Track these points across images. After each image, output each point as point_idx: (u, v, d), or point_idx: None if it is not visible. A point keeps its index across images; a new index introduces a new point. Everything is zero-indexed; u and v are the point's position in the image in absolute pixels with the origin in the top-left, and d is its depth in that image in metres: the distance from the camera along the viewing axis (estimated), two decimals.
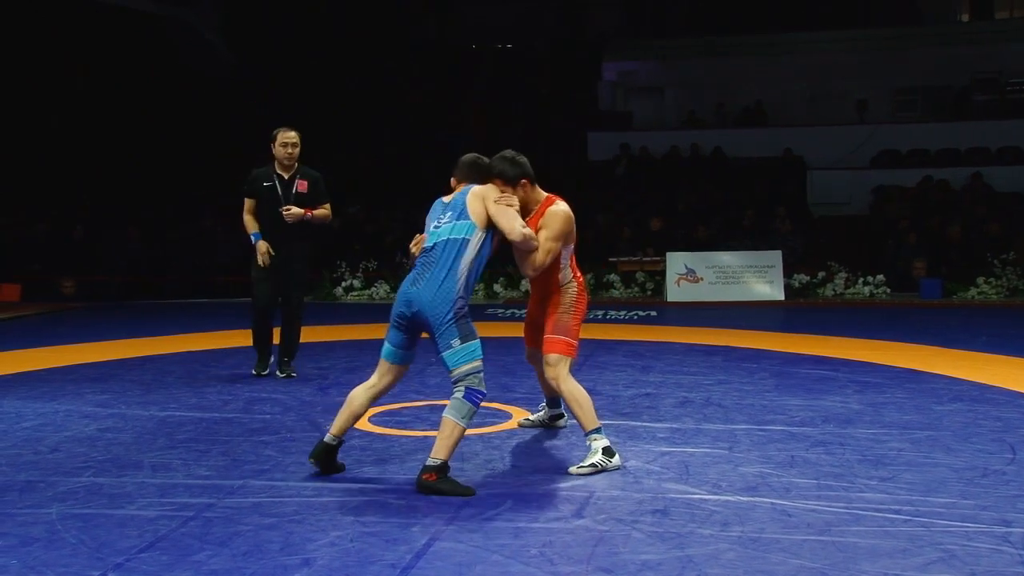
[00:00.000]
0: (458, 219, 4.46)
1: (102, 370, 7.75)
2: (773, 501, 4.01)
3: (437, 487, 4.14)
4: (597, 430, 4.57)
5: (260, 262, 7.01)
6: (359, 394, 4.45)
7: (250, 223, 7.11)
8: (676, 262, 14.23)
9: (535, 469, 4.56)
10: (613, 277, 14.66)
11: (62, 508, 4.00)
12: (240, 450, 5.00)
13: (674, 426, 5.48)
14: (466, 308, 4.32)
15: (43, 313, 12.62)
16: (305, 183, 7.06)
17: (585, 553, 3.43)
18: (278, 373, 7.27)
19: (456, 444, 4.23)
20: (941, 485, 4.22)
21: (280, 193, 7.00)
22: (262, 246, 7.00)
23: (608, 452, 4.52)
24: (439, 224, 4.51)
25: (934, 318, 11.48)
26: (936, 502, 3.97)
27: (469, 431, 5.10)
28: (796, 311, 12.89)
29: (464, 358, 4.24)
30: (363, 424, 5.56)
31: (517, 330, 10.14)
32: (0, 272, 14.40)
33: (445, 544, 3.53)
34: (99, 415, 5.93)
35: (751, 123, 20.92)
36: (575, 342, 4.83)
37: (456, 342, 4.24)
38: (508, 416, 5.78)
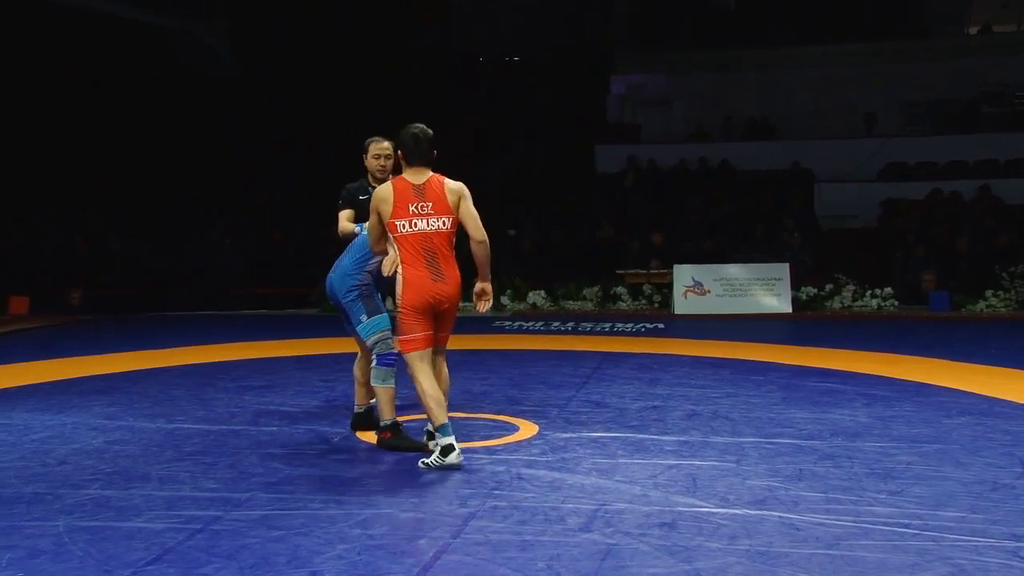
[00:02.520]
0: None
1: (109, 382, 7.76)
2: (781, 515, 3.99)
3: (395, 444, 5.15)
4: (442, 427, 4.83)
5: (386, 272, 5.76)
6: (360, 366, 5.51)
7: (351, 226, 6.15)
8: (683, 274, 14.22)
9: (541, 482, 4.55)
10: (620, 289, 14.66)
11: (69, 520, 4.00)
12: (247, 463, 5.00)
13: (682, 439, 5.46)
14: (368, 288, 5.35)
15: (51, 325, 12.66)
16: None
17: (592, 567, 3.42)
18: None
19: (391, 401, 5.20)
20: (950, 499, 4.20)
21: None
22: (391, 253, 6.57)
23: (444, 451, 4.77)
24: None
25: (942, 331, 11.44)
26: (945, 516, 3.95)
27: (475, 443, 5.18)
28: (804, 324, 12.85)
29: (372, 329, 5.34)
30: (370, 437, 5.56)
31: (524, 342, 10.17)
32: (8, 284, 14.44)
33: (452, 557, 3.53)
34: (107, 427, 5.95)
35: (759, 136, 20.92)
36: (408, 335, 5.00)
37: (364, 317, 5.35)
38: (515, 428, 5.78)
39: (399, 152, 5.16)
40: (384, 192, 5.05)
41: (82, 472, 4.81)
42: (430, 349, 5.05)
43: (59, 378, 7.98)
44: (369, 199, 5.97)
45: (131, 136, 19.12)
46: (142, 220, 17.33)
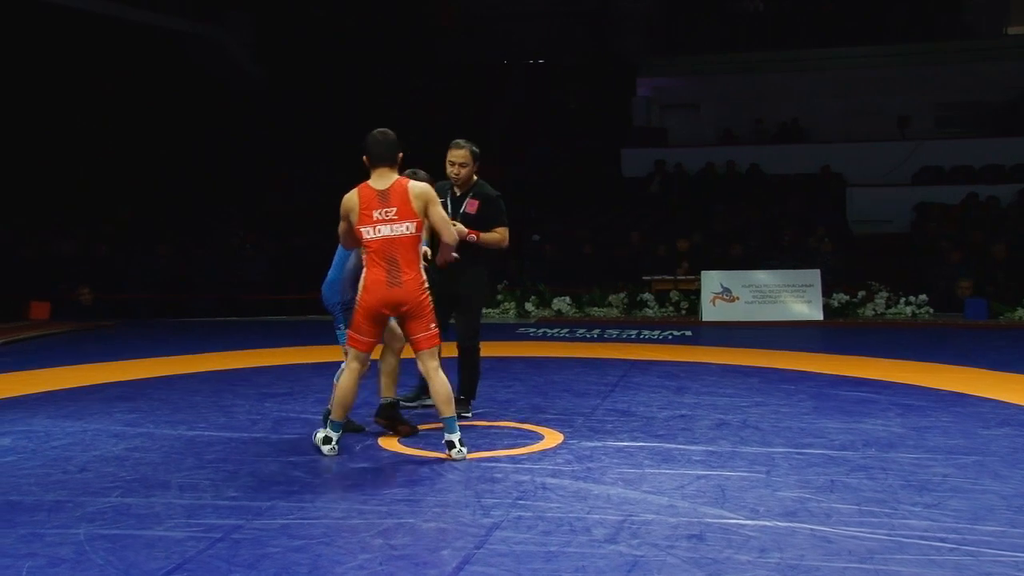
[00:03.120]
0: None
1: (130, 389, 7.82)
2: (813, 527, 3.96)
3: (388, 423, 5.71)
4: (333, 423, 5.35)
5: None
6: (384, 358, 5.71)
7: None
8: (711, 281, 14.15)
9: (566, 491, 4.54)
10: (647, 296, 14.61)
11: (90, 528, 4.04)
12: (268, 471, 5.02)
13: (710, 449, 5.44)
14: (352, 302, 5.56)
15: (72, 331, 12.78)
16: (476, 203, 6.42)
17: None
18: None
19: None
20: (989, 513, 4.15)
21: (450, 211, 6.34)
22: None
23: (324, 440, 5.34)
24: None
25: (979, 339, 11.32)
26: (984, 530, 3.90)
27: (499, 452, 5.21)
28: (835, 331, 12.77)
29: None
30: (392, 445, 5.58)
31: (548, 350, 10.17)
32: (30, 290, 14.59)
33: (475, 568, 3.53)
34: (127, 434, 5.99)
35: (789, 139, 20.81)
36: (356, 334, 5.34)
37: (342, 326, 5.68)
38: (540, 437, 5.77)
39: (364, 157, 5.32)
40: (350, 201, 5.26)
41: (103, 479, 4.85)
42: (368, 354, 5.36)
43: (80, 384, 8.05)
44: (445, 203, 6.34)
45: (153, 143, 19.31)
46: (164, 226, 17.46)
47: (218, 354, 10.18)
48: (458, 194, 6.49)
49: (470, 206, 6.42)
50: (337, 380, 5.54)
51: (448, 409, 5.21)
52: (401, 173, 5.49)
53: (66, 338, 12.20)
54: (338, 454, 5.33)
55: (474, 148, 6.50)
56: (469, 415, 6.49)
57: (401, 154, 5.37)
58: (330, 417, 5.41)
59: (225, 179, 19.49)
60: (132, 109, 19.18)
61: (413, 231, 5.18)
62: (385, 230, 5.14)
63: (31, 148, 17.82)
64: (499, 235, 6.46)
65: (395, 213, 5.14)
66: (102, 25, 17.56)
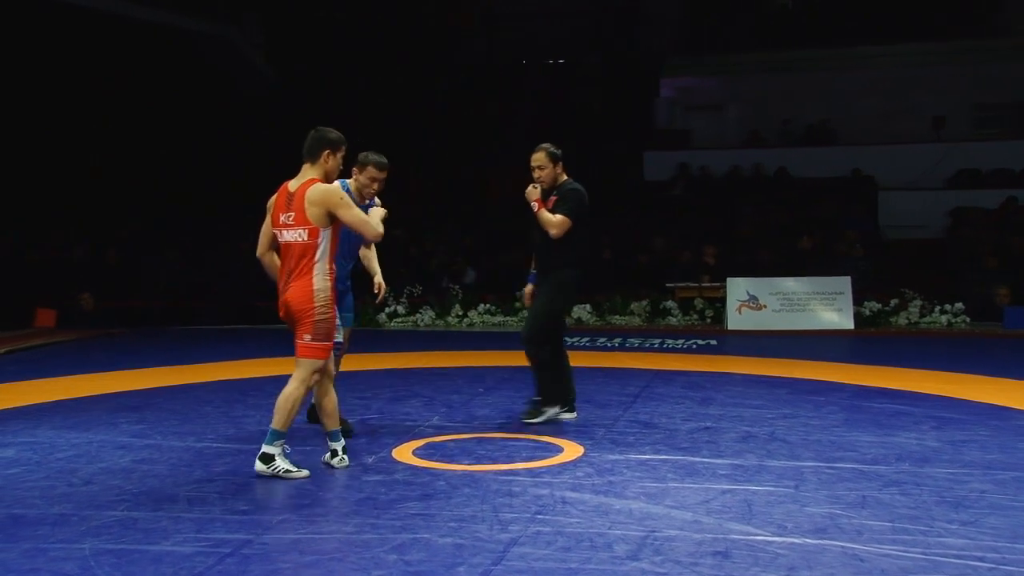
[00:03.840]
0: None
1: (138, 399, 7.87)
2: (844, 544, 3.93)
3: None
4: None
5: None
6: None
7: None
8: (737, 288, 14.11)
9: (587, 506, 4.53)
10: (670, 304, 14.58)
11: (95, 543, 4.05)
12: (280, 484, 5.03)
13: (736, 462, 5.41)
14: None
15: (78, 339, 12.87)
16: (553, 199, 6.61)
17: None
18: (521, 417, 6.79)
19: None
20: None
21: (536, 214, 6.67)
22: (527, 289, 6.93)
23: (332, 456, 5.38)
24: None
25: (1019, 349, 11.23)
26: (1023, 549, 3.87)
27: (518, 465, 5.20)
28: (867, 341, 12.70)
29: None
30: (407, 457, 5.58)
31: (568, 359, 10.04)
32: (36, 297, 14.70)
33: None
34: (134, 446, 6.02)
35: (818, 141, 20.72)
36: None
37: None
38: (559, 450, 5.76)
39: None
40: (270, 201, 5.39)
41: (109, 492, 4.88)
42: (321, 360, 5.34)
43: (86, 394, 8.10)
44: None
45: (163, 146, 19.42)
46: (172, 232, 17.57)
47: (228, 363, 10.23)
48: (545, 197, 6.67)
49: (550, 203, 6.60)
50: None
51: (276, 420, 5.19)
52: (349, 167, 5.67)
53: (72, 346, 12.29)
54: (349, 464, 5.35)
55: (553, 150, 6.66)
56: (573, 415, 6.67)
57: (328, 151, 5.35)
58: (325, 431, 5.43)
59: (237, 183, 19.57)
60: (142, 112, 19.31)
61: (306, 238, 5.18)
62: (285, 235, 5.25)
63: (40, 151, 17.96)
64: (552, 219, 6.49)
65: (293, 219, 5.22)
66: (111, 25, 17.69)
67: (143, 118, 19.36)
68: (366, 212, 5.47)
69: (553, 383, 6.61)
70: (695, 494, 4.74)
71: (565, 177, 6.68)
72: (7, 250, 16.27)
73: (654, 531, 4.14)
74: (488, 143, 20.81)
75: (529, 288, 6.86)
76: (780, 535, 4.07)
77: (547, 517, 4.36)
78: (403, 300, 15.13)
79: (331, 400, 5.41)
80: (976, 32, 21.21)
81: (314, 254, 5.19)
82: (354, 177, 6.07)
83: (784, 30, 22.11)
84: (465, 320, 14.88)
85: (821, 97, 21.40)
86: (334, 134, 5.39)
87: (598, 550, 3.89)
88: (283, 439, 5.21)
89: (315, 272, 5.19)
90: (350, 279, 6.36)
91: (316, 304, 5.17)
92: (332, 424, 5.41)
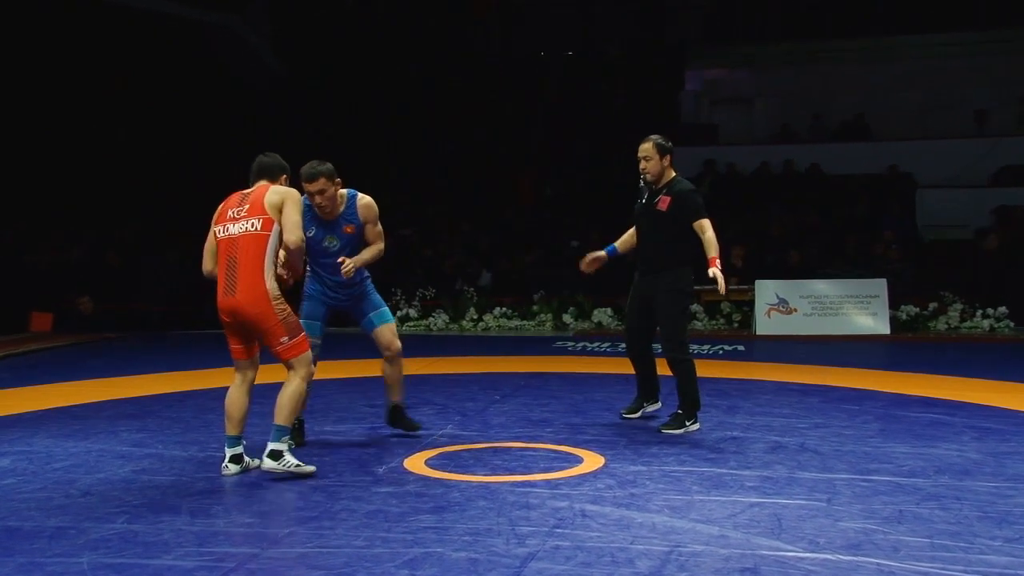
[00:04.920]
0: None
1: (138, 406, 7.91)
2: (879, 561, 3.92)
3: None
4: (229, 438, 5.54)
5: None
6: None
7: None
8: (766, 291, 14.08)
9: (608, 519, 4.53)
10: (696, 307, 14.56)
11: (94, 557, 4.07)
12: (285, 495, 5.05)
13: (764, 474, 5.40)
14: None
15: (77, 344, 12.95)
16: (668, 199, 6.63)
17: None
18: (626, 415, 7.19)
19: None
20: None
21: (643, 207, 6.79)
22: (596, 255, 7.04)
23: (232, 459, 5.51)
24: None
25: None
26: None
27: (535, 476, 5.22)
28: (904, 347, 12.65)
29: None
30: (419, 467, 5.59)
31: (588, 365, 10.14)
32: (32, 300, 14.79)
33: None
34: (135, 455, 6.05)
35: (852, 137, 20.67)
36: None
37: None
38: (578, 460, 5.76)
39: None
40: (215, 215, 5.55)
41: (108, 504, 4.90)
42: (240, 360, 5.60)
43: (84, 401, 8.15)
44: (639, 202, 6.83)
45: (166, 145, 19.52)
46: (174, 232, 17.65)
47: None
48: (651, 190, 6.73)
49: (662, 203, 6.62)
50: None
51: (279, 417, 5.37)
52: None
53: (69, 351, 12.37)
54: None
55: (661, 141, 6.66)
56: (696, 426, 6.65)
57: (285, 175, 5.65)
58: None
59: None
60: (144, 107, 19.42)
61: (259, 228, 5.25)
62: (233, 228, 5.31)
63: (37, 147, 18.08)
64: (713, 239, 6.56)
65: (246, 211, 5.30)
66: (110, 15, 17.79)
67: (144, 113, 19.46)
68: (344, 227, 6.04)
69: (686, 392, 6.69)
70: (722, 507, 4.73)
71: (674, 173, 6.73)
72: (2, 251, 16.38)
73: (678, 546, 4.13)
74: (504, 139, 20.84)
75: (599, 254, 6.99)
76: (812, 551, 4.05)
77: (566, 531, 4.36)
78: (415, 303, 15.16)
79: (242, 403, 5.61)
80: (1021, 20, 21.09)
81: (264, 248, 5.26)
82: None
83: (816, 19, 22.06)
84: (480, 324, 14.91)
85: (855, 90, 21.34)
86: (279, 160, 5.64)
87: (619, 566, 3.89)
88: (289, 434, 5.40)
89: (265, 271, 5.28)
90: (366, 280, 6.38)
91: (274, 305, 5.29)
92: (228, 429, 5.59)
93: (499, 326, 14.84)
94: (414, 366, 10.02)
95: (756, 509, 4.70)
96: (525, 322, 14.73)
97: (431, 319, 14.97)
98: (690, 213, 6.57)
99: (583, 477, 5.39)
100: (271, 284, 5.30)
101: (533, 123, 21.81)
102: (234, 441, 5.52)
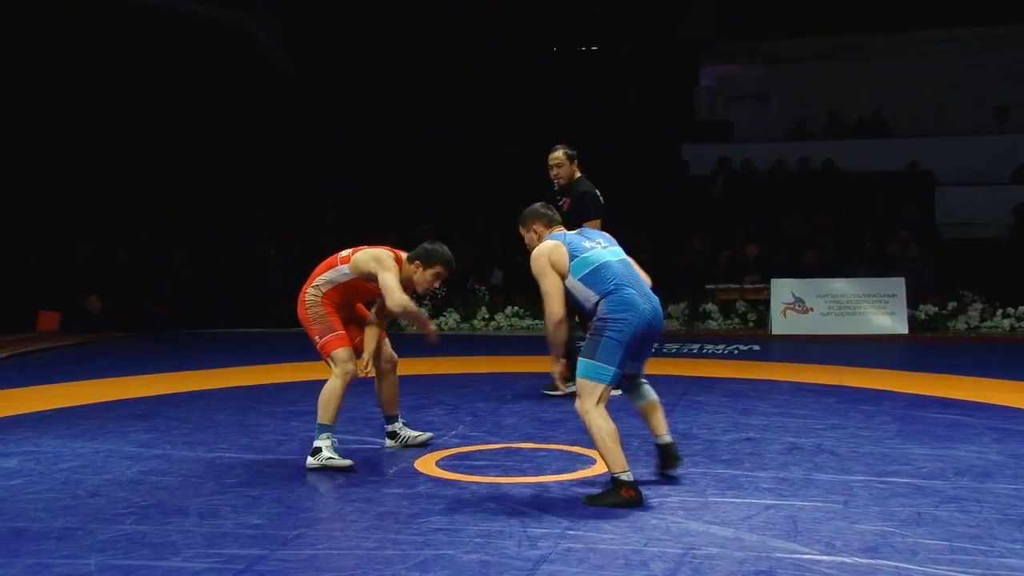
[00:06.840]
0: (614, 246, 5.39)
1: (146, 406, 7.94)
2: (897, 565, 3.91)
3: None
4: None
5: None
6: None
7: None
8: (782, 290, 14.04)
9: (621, 521, 4.53)
10: (710, 307, 14.53)
11: (101, 559, 4.09)
12: (295, 496, 5.06)
13: (780, 476, 5.39)
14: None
15: (84, 343, 12.99)
16: (568, 200, 7.58)
17: None
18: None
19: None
20: None
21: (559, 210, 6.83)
22: None
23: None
24: (596, 246, 5.26)
25: None
26: None
27: (548, 477, 5.22)
28: (922, 347, 12.61)
29: None
30: (430, 468, 5.59)
31: None
32: (39, 299, 14.83)
33: None
34: (142, 456, 6.07)
35: (870, 133, 20.56)
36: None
37: None
38: (591, 461, 5.75)
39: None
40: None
41: (115, 505, 4.92)
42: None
43: (91, 401, 8.18)
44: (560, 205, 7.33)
45: (175, 143, 19.56)
46: (183, 232, 17.70)
47: (241, 368, 10.30)
48: (558, 195, 7.65)
49: (565, 204, 7.53)
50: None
51: (318, 414, 5.67)
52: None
53: (76, 351, 12.41)
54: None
55: (569, 150, 7.68)
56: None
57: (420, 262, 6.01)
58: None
59: (251, 182, 19.70)
60: (152, 105, 19.46)
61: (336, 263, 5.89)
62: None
63: (44, 145, 18.13)
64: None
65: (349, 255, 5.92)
66: (117, 11, 17.84)
67: (153, 111, 19.51)
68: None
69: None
70: (737, 509, 4.72)
71: (577, 175, 7.67)
72: (8, 249, 16.43)
73: (693, 548, 4.13)
74: (517, 136, 20.83)
75: None
76: (828, 554, 4.05)
77: (579, 533, 4.36)
78: (426, 302, 15.17)
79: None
80: None
81: (325, 275, 5.89)
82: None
83: (834, 14, 21.96)
84: (492, 323, 14.90)
85: (873, 86, 21.23)
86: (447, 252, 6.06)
87: (633, 568, 3.89)
88: (330, 431, 5.66)
89: (313, 281, 5.90)
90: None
91: (307, 311, 5.83)
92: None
93: (511, 325, 14.83)
94: (425, 366, 10.03)
95: (772, 511, 4.69)
96: (537, 321, 14.68)
97: (442, 318, 14.96)
98: (588, 212, 7.37)
99: (596, 478, 5.38)
100: (311, 296, 5.84)
101: (545, 120, 21.78)
102: (387, 420, 6.27)
